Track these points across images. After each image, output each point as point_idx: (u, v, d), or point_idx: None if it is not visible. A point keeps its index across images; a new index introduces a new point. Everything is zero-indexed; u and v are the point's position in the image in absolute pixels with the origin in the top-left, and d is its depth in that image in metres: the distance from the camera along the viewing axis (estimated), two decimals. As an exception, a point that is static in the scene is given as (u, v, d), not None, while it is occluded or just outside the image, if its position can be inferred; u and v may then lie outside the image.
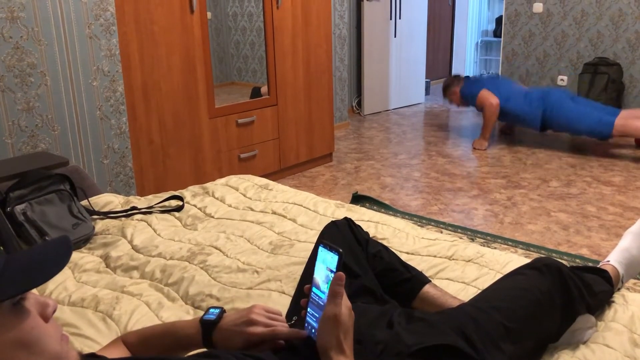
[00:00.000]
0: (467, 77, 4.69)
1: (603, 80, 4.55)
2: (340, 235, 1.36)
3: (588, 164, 3.99)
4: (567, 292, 1.26)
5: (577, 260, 2.53)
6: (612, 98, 4.56)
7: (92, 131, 2.68)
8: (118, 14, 2.70)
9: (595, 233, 2.89)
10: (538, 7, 4.96)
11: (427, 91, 6.55)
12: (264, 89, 3.69)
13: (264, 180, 2.32)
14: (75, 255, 1.72)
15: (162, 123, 3.01)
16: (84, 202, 1.97)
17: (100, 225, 1.91)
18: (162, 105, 2.99)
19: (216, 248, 1.72)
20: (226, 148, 3.39)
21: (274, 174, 3.71)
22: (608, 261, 1.58)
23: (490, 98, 4.33)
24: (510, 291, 1.24)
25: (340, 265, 0.93)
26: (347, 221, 1.41)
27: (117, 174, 2.81)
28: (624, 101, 4.66)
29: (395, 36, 5.70)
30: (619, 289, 1.54)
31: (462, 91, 4.54)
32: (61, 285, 1.53)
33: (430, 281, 1.41)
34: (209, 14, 3.62)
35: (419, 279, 1.39)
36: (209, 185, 2.25)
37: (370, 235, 1.53)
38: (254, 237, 1.82)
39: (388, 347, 1.06)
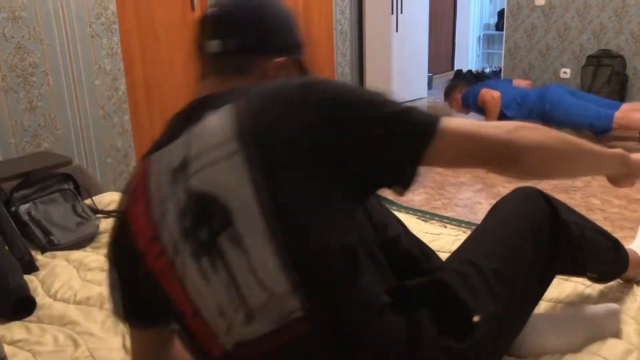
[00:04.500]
0: (470, 85, 4.70)
1: (606, 72, 4.53)
2: None
3: (592, 157, 3.98)
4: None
5: (582, 254, 2.52)
6: (616, 90, 4.54)
7: (95, 130, 2.68)
8: (119, 13, 2.70)
9: (600, 225, 2.88)
10: (540, 0, 4.94)
11: (430, 85, 6.54)
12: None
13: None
14: (80, 254, 1.72)
15: (165, 121, 3.01)
16: (88, 201, 1.97)
17: (104, 224, 1.91)
18: (165, 103, 2.99)
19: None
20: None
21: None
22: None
23: (490, 92, 4.35)
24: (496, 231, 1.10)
25: None
26: None
27: (120, 173, 2.82)
28: (628, 93, 4.64)
29: (397, 31, 5.68)
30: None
31: (463, 96, 4.56)
32: (66, 284, 1.53)
33: None
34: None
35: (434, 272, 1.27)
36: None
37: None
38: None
39: None
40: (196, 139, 0.84)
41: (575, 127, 4.24)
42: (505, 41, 5.26)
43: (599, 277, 1.41)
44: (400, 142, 0.83)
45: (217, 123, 0.83)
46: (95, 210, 1.94)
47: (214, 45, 0.93)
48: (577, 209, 3.25)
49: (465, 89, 4.63)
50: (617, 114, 3.88)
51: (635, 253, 1.50)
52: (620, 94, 4.59)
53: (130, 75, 2.81)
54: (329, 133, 0.81)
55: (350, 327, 0.82)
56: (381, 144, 0.82)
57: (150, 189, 0.88)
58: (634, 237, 2.78)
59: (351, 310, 0.82)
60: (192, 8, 3.05)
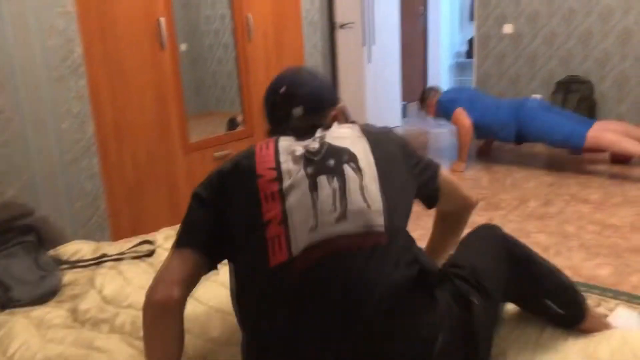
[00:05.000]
0: (445, 91, 4.70)
1: (575, 98, 4.62)
2: None
3: (565, 182, 4.02)
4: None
5: (559, 283, 2.52)
6: (585, 115, 4.62)
7: (63, 174, 2.62)
8: (86, 55, 2.67)
9: (576, 253, 2.89)
10: (508, 29, 5.04)
11: (404, 114, 6.59)
12: (239, 117, 3.67)
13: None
14: (41, 311, 1.65)
15: (136, 162, 2.96)
16: (52, 252, 1.91)
17: (68, 276, 1.85)
18: (136, 143, 2.95)
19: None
20: (202, 183, 3.34)
21: (253, 207, 3.66)
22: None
23: (463, 119, 4.35)
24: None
25: None
26: None
27: (89, 217, 2.75)
28: (597, 118, 4.72)
29: (369, 62, 5.74)
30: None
31: (438, 105, 4.55)
32: (25, 344, 1.46)
33: None
34: (184, 46, 3.61)
35: None
36: (182, 227, 2.20)
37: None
38: (227, 280, 1.77)
39: None
40: (330, 132, 1.30)
41: (549, 143, 4.27)
42: (476, 69, 5.34)
43: (562, 310, 1.45)
44: (430, 173, 1.41)
45: (349, 129, 1.33)
46: (59, 262, 1.88)
47: (297, 111, 1.36)
48: (553, 237, 3.26)
49: (438, 95, 4.61)
50: (590, 133, 3.92)
51: (599, 315, 1.57)
52: (590, 118, 4.67)
53: (99, 117, 2.76)
54: (403, 158, 1.34)
55: (410, 253, 1.21)
56: (422, 172, 1.38)
57: (279, 146, 1.27)
58: (609, 265, 2.79)
59: (412, 245, 1.26)
60: (162, 47, 3.03)
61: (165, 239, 2.10)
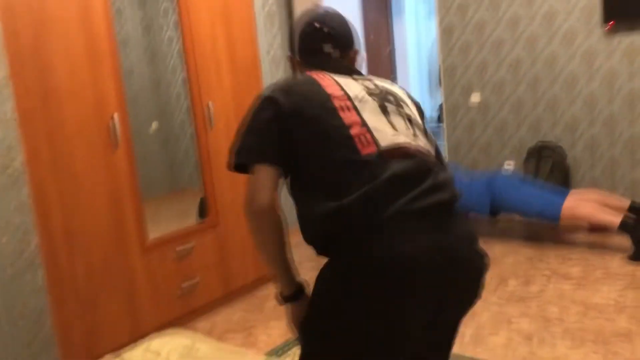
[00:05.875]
0: None
1: (548, 164, 4.55)
2: None
3: (545, 255, 3.88)
4: None
5: (545, 381, 2.34)
6: (559, 181, 4.55)
7: (3, 292, 2.42)
8: (30, 162, 2.53)
9: (560, 340, 2.72)
10: (475, 98, 5.04)
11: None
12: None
13: (191, 338, 2.10)
14: None
15: (89, 270, 2.77)
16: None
17: None
18: (88, 250, 2.76)
19: None
20: (163, 283, 3.15)
21: (220, 301, 3.46)
22: None
23: None
24: None
25: None
26: None
27: (34, 336, 2.53)
28: (572, 183, 4.66)
29: (340, 135, 5.69)
30: None
31: None
32: None
33: None
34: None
35: None
36: (126, 356, 2.01)
37: None
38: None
39: None
40: (371, 77, 1.52)
41: (524, 215, 4.16)
42: (447, 139, 5.31)
43: None
44: (435, 141, 1.66)
45: (384, 80, 1.54)
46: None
47: (328, 47, 1.54)
48: (535, 322, 3.09)
49: None
50: (566, 204, 3.81)
51: None
52: (565, 184, 4.60)
53: (45, 226, 2.59)
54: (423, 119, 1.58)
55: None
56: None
57: (334, 78, 1.44)
58: (596, 353, 2.62)
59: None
60: (115, 147, 2.91)
61: (105, 372, 1.90)
